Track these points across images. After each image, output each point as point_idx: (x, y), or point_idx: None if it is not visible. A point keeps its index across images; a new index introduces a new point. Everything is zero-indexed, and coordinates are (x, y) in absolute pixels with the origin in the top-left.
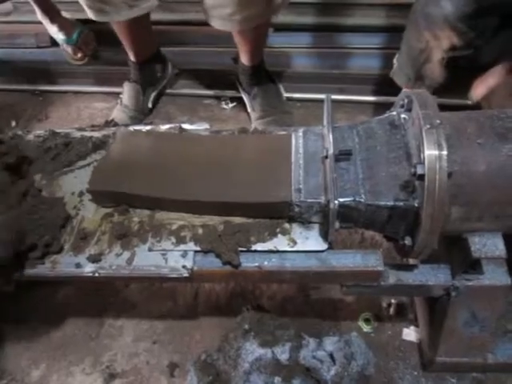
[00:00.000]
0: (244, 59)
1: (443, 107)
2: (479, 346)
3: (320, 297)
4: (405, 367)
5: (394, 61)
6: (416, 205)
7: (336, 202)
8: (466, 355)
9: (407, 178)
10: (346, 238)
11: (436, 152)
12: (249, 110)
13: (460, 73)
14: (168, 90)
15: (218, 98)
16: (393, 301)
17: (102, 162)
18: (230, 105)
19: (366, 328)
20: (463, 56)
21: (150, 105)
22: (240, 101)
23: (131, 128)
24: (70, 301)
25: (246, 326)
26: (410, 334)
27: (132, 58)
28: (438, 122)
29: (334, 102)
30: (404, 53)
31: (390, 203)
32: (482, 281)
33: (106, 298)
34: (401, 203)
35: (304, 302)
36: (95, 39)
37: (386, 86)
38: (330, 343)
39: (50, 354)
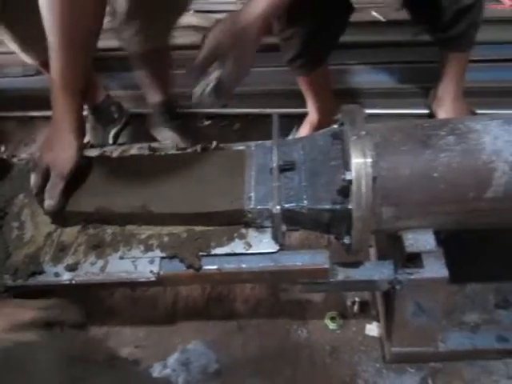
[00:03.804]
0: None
1: (405, 116)
2: (429, 335)
3: (289, 299)
4: (368, 360)
5: None
6: (350, 207)
7: (278, 207)
8: (417, 345)
9: (343, 184)
10: (312, 244)
11: (362, 160)
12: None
13: None
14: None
15: (195, 116)
16: (356, 299)
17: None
18: (206, 122)
19: (331, 325)
20: None
21: (110, 141)
22: (215, 118)
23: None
24: None
25: None
26: (372, 329)
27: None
28: (364, 133)
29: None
30: None
31: (328, 206)
32: (422, 274)
33: (92, 308)
34: (337, 206)
35: (275, 304)
36: None
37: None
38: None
39: None
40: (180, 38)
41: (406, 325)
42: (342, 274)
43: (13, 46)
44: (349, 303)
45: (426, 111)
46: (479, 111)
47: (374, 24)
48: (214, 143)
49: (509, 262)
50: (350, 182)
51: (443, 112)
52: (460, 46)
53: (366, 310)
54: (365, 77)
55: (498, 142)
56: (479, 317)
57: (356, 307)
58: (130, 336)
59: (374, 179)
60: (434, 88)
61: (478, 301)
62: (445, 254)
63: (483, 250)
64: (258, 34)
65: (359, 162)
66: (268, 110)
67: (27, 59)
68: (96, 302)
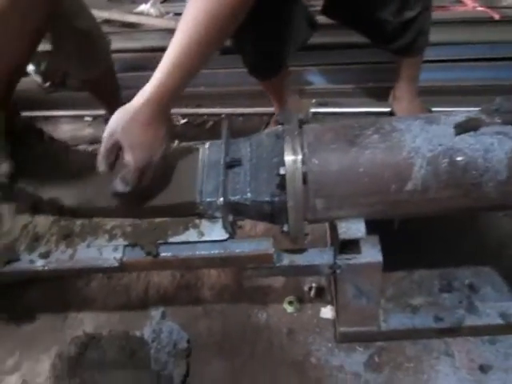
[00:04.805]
0: None
1: (369, 114)
2: (370, 316)
3: (252, 285)
4: (321, 340)
5: None
6: (286, 199)
7: (221, 199)
8: (361, 324)
9: (280, 178)
10: (275, 234)
11: (293, 157)
12: None
13: None
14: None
15: None
16: (313, 284)
17: None
18: (182, 121)
19: (289, 309)
20: None
21: None
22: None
23: None
24: (39, 300)
25: None
26: (326, 312)
27: None
28: (296, 133)
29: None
30: None
31: (268, 198)
32: (359, 259)
33: (69, 296)
34: (276, 198)
35: (238, 290)
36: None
37: None
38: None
39: (23, 344)
40: (156, 40)
41: (348, 306)
42: (287, 260)
43: None
44: (306, 288)
45: (388, 109)
46: (435, 109)
47: (338, 26)
48: (176, 142)
49: (451, 249)
50: (283, 176)
51: (400, 111)
52: (409, 54)
53: (321, 295)
54: (328, 77)
55: (417, 140)
56: (425, 300)
57: (313, 292)
58: (105, 321)
59: (305, 174)
60: (393, 88)
61: (424, 285)
62: (395, 243)
63: (430, 238)
64: (148, 120)
65: (291, 159)
66: (239, 110)
67: None
68: (73, 291)
